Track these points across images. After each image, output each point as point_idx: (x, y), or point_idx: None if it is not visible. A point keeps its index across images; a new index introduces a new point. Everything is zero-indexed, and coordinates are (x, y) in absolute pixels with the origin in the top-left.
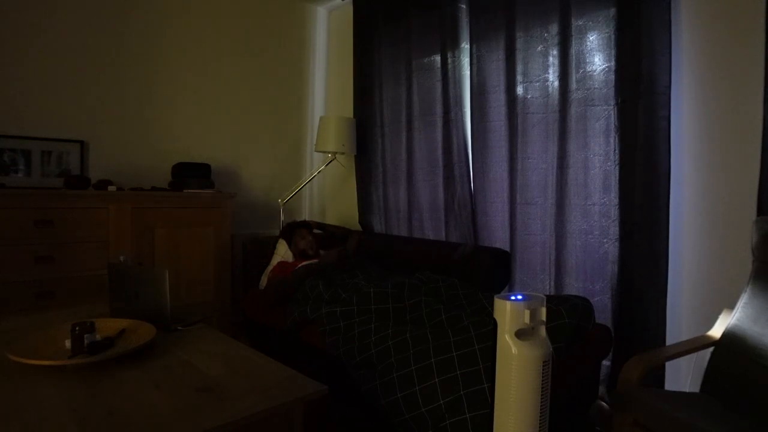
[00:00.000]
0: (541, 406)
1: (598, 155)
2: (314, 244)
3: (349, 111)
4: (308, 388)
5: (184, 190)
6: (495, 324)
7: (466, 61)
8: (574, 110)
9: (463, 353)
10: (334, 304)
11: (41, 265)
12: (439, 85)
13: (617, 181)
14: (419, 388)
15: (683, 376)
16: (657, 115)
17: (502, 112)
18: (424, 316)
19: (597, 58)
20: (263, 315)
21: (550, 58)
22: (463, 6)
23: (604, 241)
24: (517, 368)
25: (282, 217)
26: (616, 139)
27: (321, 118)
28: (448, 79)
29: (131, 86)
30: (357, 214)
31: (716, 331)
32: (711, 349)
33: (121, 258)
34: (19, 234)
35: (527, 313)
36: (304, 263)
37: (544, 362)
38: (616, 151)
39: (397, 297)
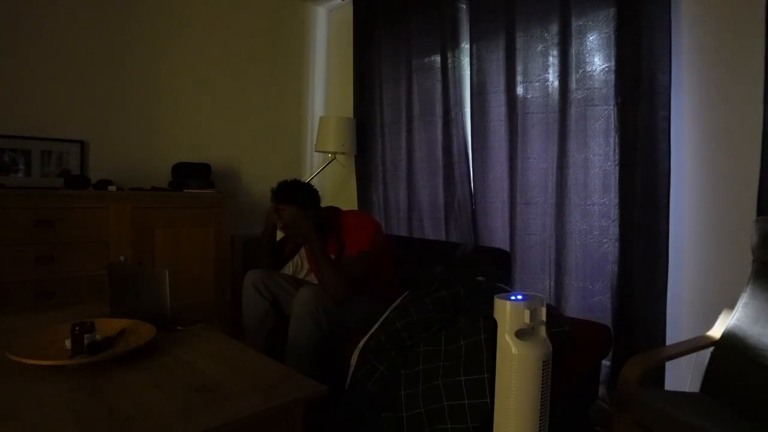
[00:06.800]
0: (541, 406)
1: (598, 155)
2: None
3: (349, 111)
4: (308, 388)
5: (184, 190)
6: (495, 324)
7: (466, 61)
8: (574, 110)
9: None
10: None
11: (41, 265)
12: (439, 85)
13: (617, 181)
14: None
15: (683, 376)
16: (657, 115)
17: (502, 112)
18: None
19: (597, 58)
20: None
21: (550, 58)
22: (463, 6)
23: (604, 241)
24: (517, 368)
25: None
26: (616, 139)
27: (321, 118)
28: (448, 79)
29: (131, 86)
30: None
31: (716, 331)
32: (711, 349)
33: (121, 258)
34: (19, 234)
35: (527, 313)
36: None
37: (544, 362)
38: (616, 151)
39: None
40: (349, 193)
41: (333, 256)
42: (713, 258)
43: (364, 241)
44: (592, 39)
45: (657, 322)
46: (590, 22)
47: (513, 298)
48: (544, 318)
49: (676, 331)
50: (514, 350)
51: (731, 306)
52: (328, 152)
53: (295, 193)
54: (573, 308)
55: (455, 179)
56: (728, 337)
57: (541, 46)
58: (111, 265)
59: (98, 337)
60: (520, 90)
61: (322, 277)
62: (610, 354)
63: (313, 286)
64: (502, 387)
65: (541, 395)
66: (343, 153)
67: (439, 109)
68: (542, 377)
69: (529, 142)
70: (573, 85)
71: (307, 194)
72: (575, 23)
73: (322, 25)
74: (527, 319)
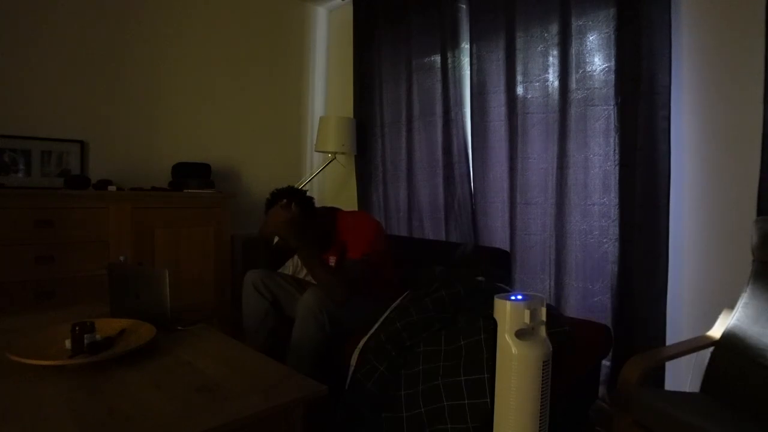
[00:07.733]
0: (541, 406)
1: (598, 155)
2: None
3: (349, 111)
4: (308, 388)
5: (184, 190)
6: (495, 324)
7: (466, 61)
8: (574, 110)
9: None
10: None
11: (41, 265)
12: (439, 85)
13: (617, 181)
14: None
15: (683, 376)
16: (657, 115)
17: (502, 112)
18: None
19: (597, 58)
20: None
21: (550, 58)
22: (463, 6)
23: (604, 241)
24: (517, 368)
25: None
26: (616, 139)
27: (321, 118)
28: (448, 79)
29: (131, 86)
30: None
31: (716, 331)
32: (711, 349)
33: (121, 258)
34: (19, 234)
35: (527, 313)
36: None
37: (544, 362)
38: (616, 151)
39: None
40: (349, 193)
41: (335, 258)
42: (713, 258)
43: (364, 244)
44: (592, 39)
45: (657, 322)
46: (590, 22)
47: (513, 298)
48: (544, 318)
49: (676, 331)
50: (514, 350)
51: (731, 306)
52: (328, 152)
53: (282, 193)
54: (573, 308)
55: (455, 179)
56: (728, 337)
57: (541, 46)
58: (111, 265)
59: (98, 337)
60: (520, 90)
61: (316, 282)
62: (610, 354)
63: (317, 288)
64: (502, 387)
65: (541, 395)
66: (343, 153)
67: (439, 109)
68: (542, 377)
69: (529, 142)
70: (573, 85)
71: (298, 197)
72: (575, 23)
73: (322, 25)
74: (527, 319)
